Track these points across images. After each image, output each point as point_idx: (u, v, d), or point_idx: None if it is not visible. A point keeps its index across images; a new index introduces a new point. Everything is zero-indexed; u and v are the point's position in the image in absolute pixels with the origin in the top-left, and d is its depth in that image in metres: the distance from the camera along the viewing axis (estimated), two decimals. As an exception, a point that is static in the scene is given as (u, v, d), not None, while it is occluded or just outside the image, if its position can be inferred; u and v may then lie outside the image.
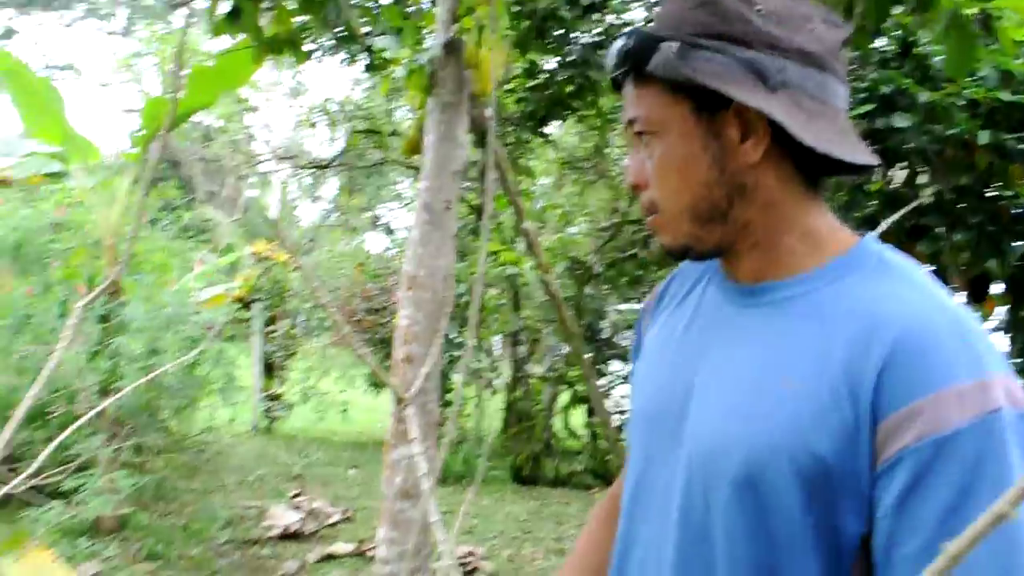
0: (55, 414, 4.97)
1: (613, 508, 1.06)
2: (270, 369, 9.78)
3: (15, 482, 1.58)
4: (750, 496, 0.80)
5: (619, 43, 0.86)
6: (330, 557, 5.15)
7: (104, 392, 4.97)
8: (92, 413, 1.95)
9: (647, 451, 0.93)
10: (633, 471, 0.95)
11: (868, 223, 2.83)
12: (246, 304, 8.81)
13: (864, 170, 0.88)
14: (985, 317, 3.54)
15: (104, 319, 4.94)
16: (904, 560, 0.75)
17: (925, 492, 0.74)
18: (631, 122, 0.87)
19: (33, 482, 1.58)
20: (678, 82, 0.81)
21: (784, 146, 0.82)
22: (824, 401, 0.78)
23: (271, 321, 9.37)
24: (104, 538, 4.90)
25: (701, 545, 0.83)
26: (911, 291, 0.80)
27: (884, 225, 2.30)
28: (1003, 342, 3.65)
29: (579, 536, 1.19)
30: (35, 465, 1.62)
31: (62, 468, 3.85)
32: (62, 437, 1.73)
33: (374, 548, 5.24)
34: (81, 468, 4.75)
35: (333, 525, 5.93)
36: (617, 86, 0.89)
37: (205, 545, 5.16)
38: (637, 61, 0.83)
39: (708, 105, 0.82)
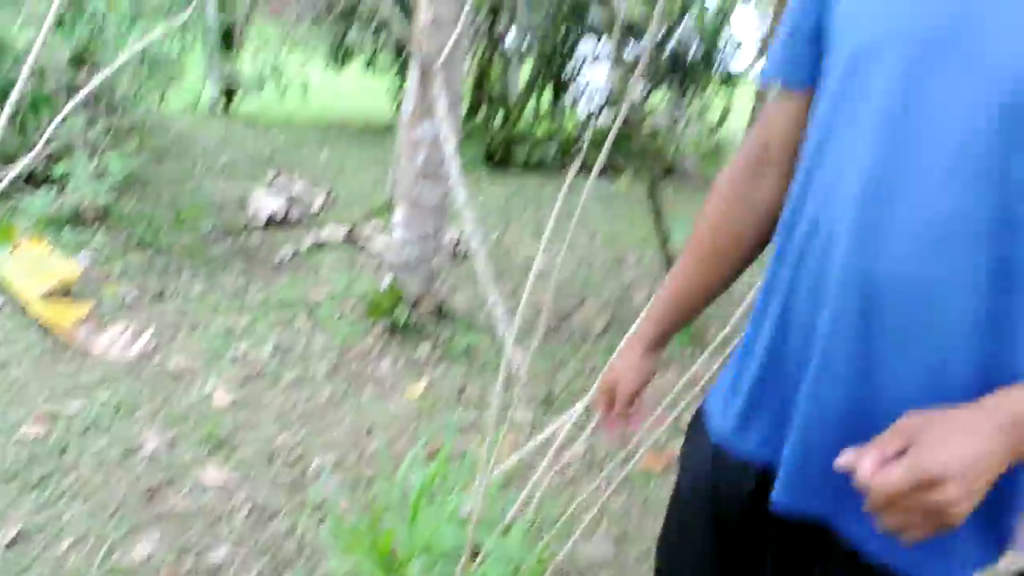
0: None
1: (748, 169, 1.05)
2: (228, 42, 9.01)
3: (10, 175, 1.37)
4: None
5: None
6: (321, 245, 5.15)
7: (78, 65, 4.51)
8: (85, 92, 1.57)
9: (908, 75, 0.79)
10: (877, 102, 0.81)
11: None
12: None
13: None
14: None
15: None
16: None
17: None
18: None
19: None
20: None
21: None
22: None
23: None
24: (88, 228, 4.74)
25: (983, 179, 0.75)
26: None
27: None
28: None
29: (702, 212, 1.11)
30: (32, 154, 1.39)
31: (37, 154, 3.60)
32: (55, 123, 1.43)
33: (367, 237, 5.26)
34: (54, 154, 4.50)
35: (316, 215, 5.87)
36: None
37: (194, 233, 5.08)
38: None
39: None
